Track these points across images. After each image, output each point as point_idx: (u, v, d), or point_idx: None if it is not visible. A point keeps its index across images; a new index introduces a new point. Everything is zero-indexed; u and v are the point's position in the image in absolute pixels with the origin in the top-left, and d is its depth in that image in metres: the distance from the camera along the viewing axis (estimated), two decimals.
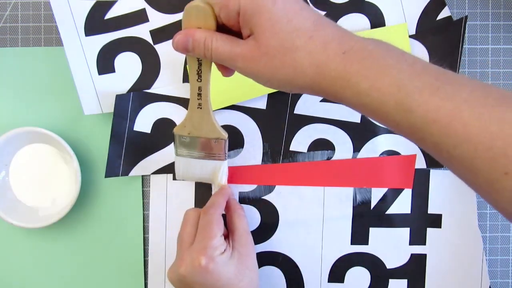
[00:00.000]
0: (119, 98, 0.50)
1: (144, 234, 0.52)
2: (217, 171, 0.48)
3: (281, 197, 0.51)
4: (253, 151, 0.51)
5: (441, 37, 0.50)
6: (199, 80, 0.40)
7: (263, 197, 0.51)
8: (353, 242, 0.51)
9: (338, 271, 0.51)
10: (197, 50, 0.36)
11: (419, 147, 0.50)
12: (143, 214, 0.52)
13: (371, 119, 0.50)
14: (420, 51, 0.51)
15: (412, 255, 0.51)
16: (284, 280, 0.51)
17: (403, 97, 0.30)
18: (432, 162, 0.51)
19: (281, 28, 0.32)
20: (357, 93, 0.31)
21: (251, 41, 0.33)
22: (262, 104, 0.51)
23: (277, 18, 0.32)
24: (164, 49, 0.51)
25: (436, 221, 0.51)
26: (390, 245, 0.51)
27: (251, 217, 0.51)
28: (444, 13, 0.51)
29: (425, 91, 0.29)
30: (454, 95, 0.29)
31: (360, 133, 0.51)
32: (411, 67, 0.30)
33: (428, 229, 0.51)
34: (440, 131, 0.29)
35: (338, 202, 0.51)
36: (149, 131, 0.51)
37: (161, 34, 0.51)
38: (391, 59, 0.31)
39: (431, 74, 0.30)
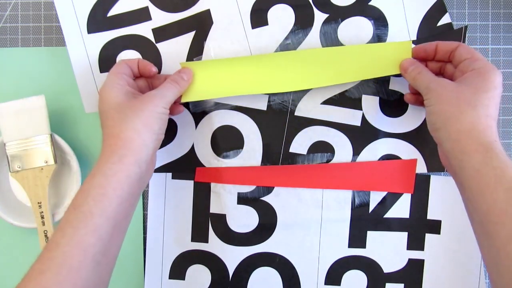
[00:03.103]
0: None
1: (144, 234, 0.52)
2: None
3: (279, 198, 0.51)
4: (252, 152, 0.51)
5: None
6: None
7: (261, 198, 0.51)
8: (351, 245, 0.51)
9: (335, 274, 0.51)
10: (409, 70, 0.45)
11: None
12: (143, 214, 0.52)
13: (371, 124, 0.51)
14: None
15: (409, 260, 0.51)
16: (281, 281, 0.52)
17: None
18: (433, 167, 0.51)
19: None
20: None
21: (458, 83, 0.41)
22: (262, 105, 0.51)
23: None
24: (166, 48, 0.51)
25: (435, 227, 0.51)
26: (388, 249, 0.51)
27: (250, 217, 0.51)
28: (445, 19, 0.50)
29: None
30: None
31: (360, 136, 0.51)
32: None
33: (427, 234, 0.51)
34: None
35: (337, 204, 0.51)
36: None
37: (163, 33, 0.51)
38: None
39: None
